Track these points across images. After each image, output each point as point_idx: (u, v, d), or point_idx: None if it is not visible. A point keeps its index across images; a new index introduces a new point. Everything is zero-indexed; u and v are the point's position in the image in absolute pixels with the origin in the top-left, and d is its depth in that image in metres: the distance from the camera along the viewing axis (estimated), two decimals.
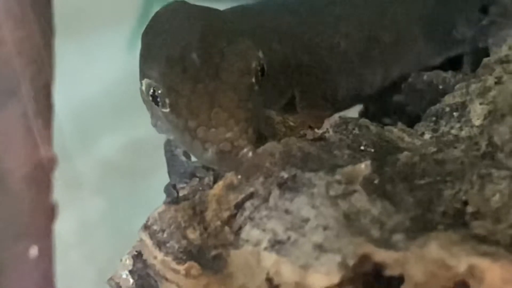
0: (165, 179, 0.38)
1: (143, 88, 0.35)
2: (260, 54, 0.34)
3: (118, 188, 0.67)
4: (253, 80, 0.33)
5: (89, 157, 0.70)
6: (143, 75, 0.35)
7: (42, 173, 0.50)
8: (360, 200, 0.30)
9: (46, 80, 0.47)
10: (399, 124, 0.38)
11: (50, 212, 0.52)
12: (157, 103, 0.34)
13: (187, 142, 0.33)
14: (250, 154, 0.32)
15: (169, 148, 0.38)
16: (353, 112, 0.46)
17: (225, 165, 0.32)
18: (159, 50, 0.35)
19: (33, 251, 0.50)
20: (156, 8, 0.38)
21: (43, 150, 0.49)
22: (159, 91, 0.33)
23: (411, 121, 0.39)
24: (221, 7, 0.41)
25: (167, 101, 0.33)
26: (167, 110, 0.33)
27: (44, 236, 0.51)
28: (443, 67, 0.46)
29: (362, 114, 0.46)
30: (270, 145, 0.33)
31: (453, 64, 0.46)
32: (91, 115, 0.74)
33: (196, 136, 0.32)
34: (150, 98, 0.34)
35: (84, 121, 0.73)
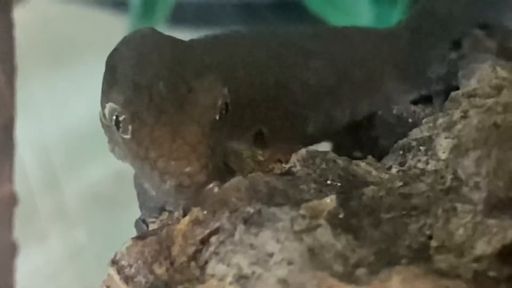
0: None
1: (106, 112, 0.36)
2: (226, 91, 0.36)
3: (102, 219, 0.69)
4: (217, 116, 0.35)
5: (74, 187, 0.72)
6: (106, 99, 0.36)
7: (3, 210, 0.51)
8: (324, 234, 0.32)
9: (8, 118, 0.49)
10: (369, 157, 0.39)
11: (11, 249, 0.53)
12: (118, 129, 0.35)
13: (145, 171, 0.34)
14: (216, 189, 0.33)
15: (139, 181, 0.39)
16: (326, 144, 0.48)
17: (182, 198, 0.34)
18: (126, 76, 0.36)
19: None
20: None
21: (4, 187, 0.50)
22: (123, 117, 0.35)
23: (382, 155, 0.40)
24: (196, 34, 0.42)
25: (129, 128, 0.34)
26: (129, 136, 0.35)
27: (6, 273, 0.52)
28: (415, 99, 0.48)
29: (335, 147, 0.48)
30: (236, 180, 0.34)
31: (426, 96, 0.47)
32: (76, 144, 0.76)
33: (155, 166, 0.34)
34: (113, 123, 0.35)
35: (69, 151, 0.75)
